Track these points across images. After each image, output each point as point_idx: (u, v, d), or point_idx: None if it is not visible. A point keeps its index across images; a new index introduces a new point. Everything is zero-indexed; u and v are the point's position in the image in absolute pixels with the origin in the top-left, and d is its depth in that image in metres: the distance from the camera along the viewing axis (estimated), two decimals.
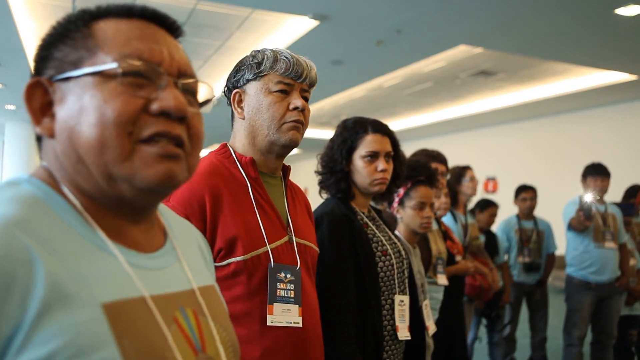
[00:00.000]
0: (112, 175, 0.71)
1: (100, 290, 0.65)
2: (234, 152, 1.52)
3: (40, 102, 0.74)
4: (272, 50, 1.50)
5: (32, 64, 0.78)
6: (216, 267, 1.35)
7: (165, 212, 0.90)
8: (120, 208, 0.75)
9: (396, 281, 2.00)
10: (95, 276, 0.66)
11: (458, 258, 3.30)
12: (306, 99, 1.52)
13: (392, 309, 1.97)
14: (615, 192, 4.65)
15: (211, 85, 0.82)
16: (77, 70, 0.72)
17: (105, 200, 0.74)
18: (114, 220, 0.75)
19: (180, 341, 0.72)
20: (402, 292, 2.03)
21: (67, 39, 0.75)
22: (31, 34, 7.20)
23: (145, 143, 0.71)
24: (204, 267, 0.91)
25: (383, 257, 1.97)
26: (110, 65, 0.71)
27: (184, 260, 0.83)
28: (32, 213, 0.66)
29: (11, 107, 11.92)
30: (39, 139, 0.78)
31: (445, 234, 3.35)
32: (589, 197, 4.21)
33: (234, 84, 1.54)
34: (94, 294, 0.64)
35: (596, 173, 4.48)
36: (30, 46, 7.48)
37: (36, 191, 0.71)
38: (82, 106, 0.70)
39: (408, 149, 2.71)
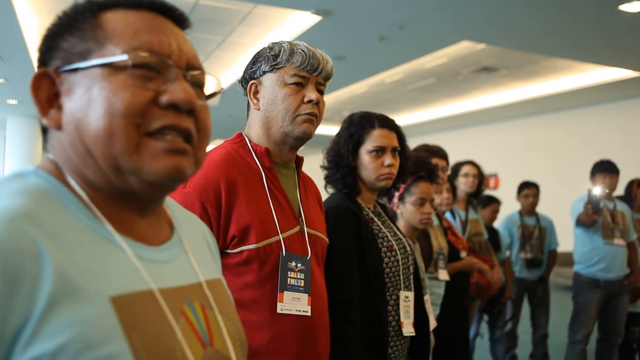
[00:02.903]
0: (119, 168, 0.70)
1: (108, 283, 0.65)
2: (249, 141, 1.55)
3: (46, 93, 0.73)
4: (289, 43, 1.52)
5: (37, 55, 0.77)
6: (229, 254, 1.39)
7: (172, 205, 0.90)
8: (128, 201, 0.75)
9: (401, 277, 1.99)
10: (103, 269, 0.66)
11: (463, 254, 3.30)
12: (321, 92, 1.54)
13: (397, 304, 1.96)
14: (617, 189, 4.64)
15: (218, 77, 0.82)
16: (85, 61, 0.71)
17: (113, 192, 0.73)
18: (121, 212, 0.74)
19: (188, 335, 0.72)
20: (407, 288, 2.02)
21: (74, 29, 0.74)
22: (33, 28, 7.19)
23: (153, 137, 0.71)
24: (211, 260, 0.91)
25: (389, 253, 1.96)
26: (120, 57, 0.70)
27: (190, 253, 0.83)
28: (39, 205, 0.66)
29: (13, 101, 11.93)
30: (44, 130, 0.77)
31: (449, 230, 3.35)
32: (597, 191, 4.18)
33: (250, 75, 1.55)
34: (102, 287, 0.64)
35: (605, 170, 4.45)
36: (32, 40, 7.47)
37: (43, 183, 0.70)
38: (90, 97, 0.70)
39: (410, 145, 2.70)
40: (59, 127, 0.73)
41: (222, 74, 9.11)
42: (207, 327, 0.76)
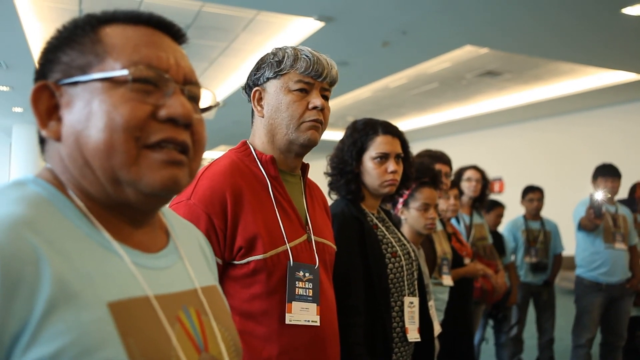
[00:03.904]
0: (118, 180, 0.72)
1: (105, 289, 0.67)
2: (254, 150, 1.52)
3: (46, 105, 0.74)
4: (293, 49, 1.49)
5: (36, 67, 0.79)
6: (236, 265, 1.37)
7: (168, 213, 0.92)
8: (124, 212, 0.76)
9: (406, 283, 2.00)
10: (101, 275, 0.67)
11: (467, 260, 3.30)
12: (326, 98, 1.52)
13: (402, 310, 1.97)
14: (621, 193, 4.64)
15: (214, 91, 0.83)
16: (85, 75, 0.73)
17: (109, 203, 0.75)
18: (117, 223, 0.76)
19: (183, 340, 0.73)
20: (412, 294, 2.02)
21: (74, 43, 0.75)
22: (38, 37, 7.24)
23: (151, 149, 0.73)
24: (206, 268, 0.93)
25: (393, 259, 1.97)
26: (120, 72, 0.72)
27: (186, 260, 0.85)
28: (39, 213, 0.67)
29: (18, 109, 11.97)
30: (42, 141, 0.78)
31: (454, 236, 3.36)
32: (599, 195, 4.19)
33: (254, 82, 1.53)
34: (100, 293, 0.66)
35: (607, 174, 4.46)
36: (37, 49, 7.51)
37: (42, 192, 0.72)
38: (90, 111, 0.71)
39: (414, 150, 2.71)
40: (58, 138, 0.74)
41: (225, 80, 9.14)
42: (202, 333, 0.78)
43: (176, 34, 0.82)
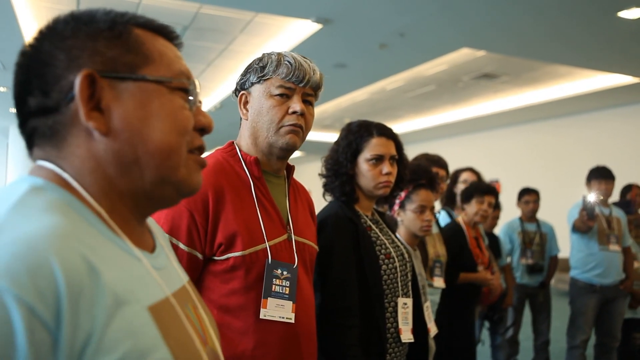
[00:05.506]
0: (165, 179, 0.75)
1: (142, 294, 0.67)
2: (240, 150, 1.58)
3: (87, 94, 0.70)
4: (277, 54, 1.54)
5: (51, 41, 0.73)
6: (216, 260, 1.42)
7: None
8: (140, 209, 0.77)
9: (399, 284, 2.01)
10: (134, 280, 0.68)
11: (480, 268, 3.35)
12: (310, 103, 1.56)
13: (396, 311, 1.98)
14: (616, 195, 4.67)
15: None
16: (135, 74, 0.73)
17: (132, 201, 0.75)
18: (129, 225, 0.75)
19: (198, 336, 0.76)
20: (406, 295, 2.04)
21: (114, 37, 0.73)
22: None
23: (192, 153, 0.78)
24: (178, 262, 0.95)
25: (386, 260, 1.98)
26: (182, 80, 0.77)
27: (172, 257, 0.87)
28: (71, 220, 0.65)
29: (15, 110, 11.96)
30: (29, 139, 0.74)
31: (475, 240, 3.40)
32: (592, 197, 4.24)
33: (241, 86, 1.60)
34: (140, 297, 0.66)
35: (601, 176, 4.50)
36: None
37: (62, 197, 0.68)
38: (150, 111, 0.73)
39: (411, 152, 2.72)
40: (106, 132, 0.71)
41: (223, 82, 9.15)
42: (201, 327, 0.80)
43: (179, 45, 0.84)
